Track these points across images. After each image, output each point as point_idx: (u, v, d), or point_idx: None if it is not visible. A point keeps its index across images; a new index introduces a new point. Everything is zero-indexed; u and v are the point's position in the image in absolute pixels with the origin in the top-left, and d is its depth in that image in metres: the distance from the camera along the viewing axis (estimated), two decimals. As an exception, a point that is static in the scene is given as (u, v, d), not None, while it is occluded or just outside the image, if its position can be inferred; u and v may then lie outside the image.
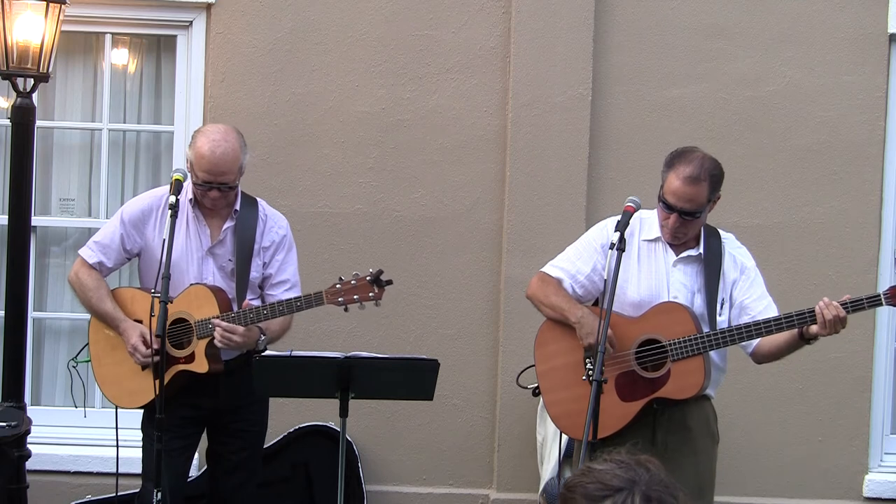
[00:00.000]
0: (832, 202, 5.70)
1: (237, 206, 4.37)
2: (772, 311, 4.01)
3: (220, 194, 4.27)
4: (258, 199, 4.48)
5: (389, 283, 4.14)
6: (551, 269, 4.21)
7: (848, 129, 5.69)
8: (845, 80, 5.68)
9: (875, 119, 5.70)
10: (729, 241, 4.17)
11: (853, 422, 5.73)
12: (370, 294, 4.12)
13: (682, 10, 5.70)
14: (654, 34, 5.70)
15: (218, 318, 4.22)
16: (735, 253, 4.14)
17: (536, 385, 4.27)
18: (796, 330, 3.90)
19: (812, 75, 5.69)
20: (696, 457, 4.07)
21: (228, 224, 4.38)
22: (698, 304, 4.05)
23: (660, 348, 3.98)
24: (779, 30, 5.70)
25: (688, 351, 3.94)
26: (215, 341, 4.21)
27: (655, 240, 4.12)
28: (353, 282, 4.12)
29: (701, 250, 4.09)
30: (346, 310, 4.17)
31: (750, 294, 4.07)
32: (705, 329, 3.99)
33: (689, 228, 4.03)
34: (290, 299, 4.23)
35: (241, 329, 4.18)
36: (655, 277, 4.09)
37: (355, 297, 4.12)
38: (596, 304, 4.22)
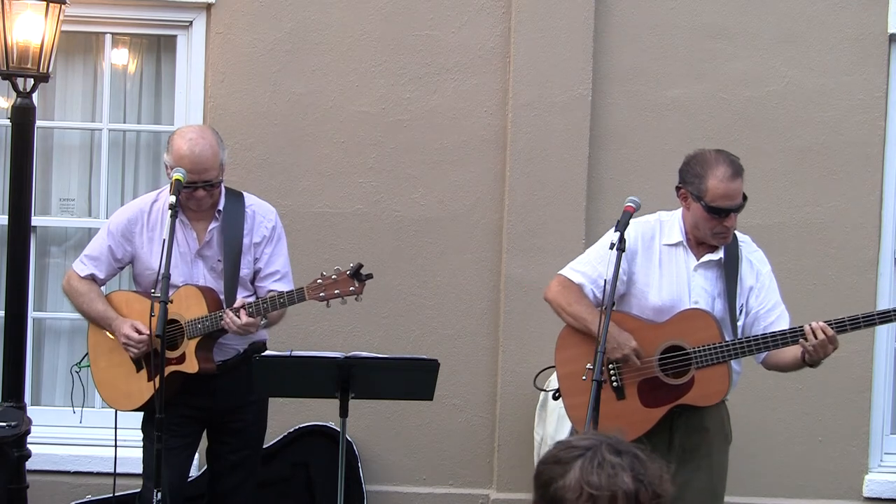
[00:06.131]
0: (832, 202, 5.70)
1: (220, 206, 4.38)
2: (783, 320, 4.02)
3: (205, 193, 4.28)
4: (244, 193, 4.49)
5: (370, 276, 4.15)
6: (572, 273, 4.16)
7: (848, 129, 5.69)
8: (845, 80, 5.68)
9: (875, 119, 5.69)
10: (746, 244, 4.15)
11: (853, 422, 5.73)
12: (350, 288, 4.12)
13: (681, 10, 5.69)
14: (654, 34, 5.70)
15: (220, 313, 4.23)
16: (752, 258, 4.12)
17: (557, 388, 4.25)
18: (799, 354, 3.91)
19: (812, 75, 5.69)
20: (711, 458, 4.09)
21: (213, 225, 4.38)
22: (718, 309, 4.04)
23: (684, 355, 3.98)
24: (779, 30, 5.69)
25: (712, 358, 3.93)
26: (231, 332, 4.21)
27: (676, 244, 4.10)
28: (333, 276, 4.12)
29: (721, 255, 4.07)
30: (327, 305, 4.17)
31: (764, 304, 4.07)
32: (727, 335, 3.99)
33: (736, 221, 4.04)
34: (274, 296, 4.23)
35: (254, 319, 4.20)
36: (677, 282, 4.07)
37: (336, 291, 4.13)
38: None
